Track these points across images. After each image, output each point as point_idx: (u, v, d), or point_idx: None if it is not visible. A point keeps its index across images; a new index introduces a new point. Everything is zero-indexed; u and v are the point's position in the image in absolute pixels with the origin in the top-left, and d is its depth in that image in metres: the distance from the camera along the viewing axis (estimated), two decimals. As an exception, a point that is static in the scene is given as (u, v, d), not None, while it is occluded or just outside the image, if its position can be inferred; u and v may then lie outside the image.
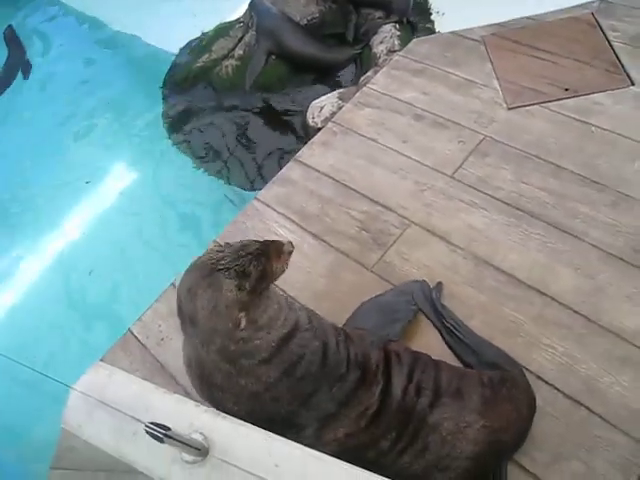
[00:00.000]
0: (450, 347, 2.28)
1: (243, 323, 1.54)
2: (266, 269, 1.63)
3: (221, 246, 1.66)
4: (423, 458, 1.70)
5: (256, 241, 1.70)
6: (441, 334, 2.32)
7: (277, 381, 1.62)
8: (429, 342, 2.31)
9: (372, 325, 2.24)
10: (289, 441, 1.29)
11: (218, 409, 1.47)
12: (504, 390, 1.88)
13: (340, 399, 1.70)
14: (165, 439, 1.15)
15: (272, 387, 1.62)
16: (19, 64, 6.06)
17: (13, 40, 6.35)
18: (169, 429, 1.16)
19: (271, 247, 1.69)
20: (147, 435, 1.16)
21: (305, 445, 1.47)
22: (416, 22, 4.55)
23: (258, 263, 1.60)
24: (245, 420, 1.41)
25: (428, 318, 2.38)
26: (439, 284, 2.47)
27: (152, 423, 1.16)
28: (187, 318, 1.60)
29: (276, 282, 2.03)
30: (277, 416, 1.65)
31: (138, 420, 1.31)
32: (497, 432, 1.76)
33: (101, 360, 2.43)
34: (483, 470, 1.80)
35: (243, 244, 1.67)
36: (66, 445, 1.77)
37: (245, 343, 1.57)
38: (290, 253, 1.75)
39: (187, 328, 1.64)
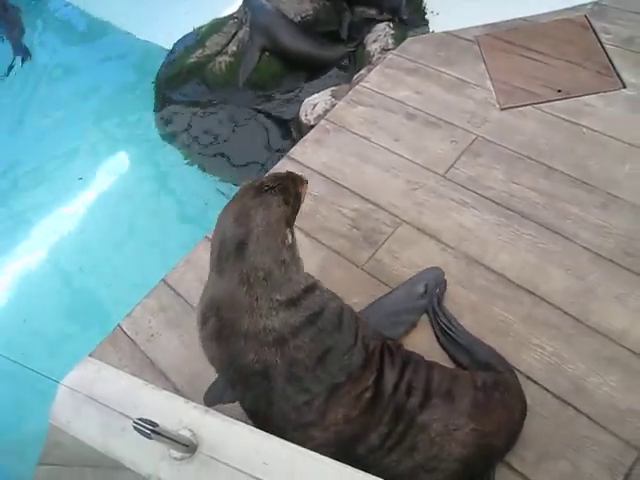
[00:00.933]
0: (443, 346, 2.28)
1: (289, 238, 1.73)
2: (298, 190, 1.88)
3: (252, 180, 1.85)
4: (411, 458, 1.70)
5: (279, 173, 1.92)
6: (435, 332, 2.33)
7: (302, 326, 1.67)
8: (423, 340, 2.31)
9: (375, 325, 2.25)
10: (278, 439, 1.29)
11: (229, 368, 1.60)
12: (497, 394, 1.87)
13: (349, 370, 1.72)
14: (153, 435, 1.14)
15: (297, 332, 1.66)
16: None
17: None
18: (157, 425, 1.16)
19: (295, 175, 1.92)
20: (135, 431, 1.15)
21: (309, 425, 1.61)
22: (408, 20, 4.55)
23: (293, 183, 1.85)
24: (260, 379, 1.60)
25: (428, 315, 2.38)
26: (444, 282, 2.47)
27: (140, 419, 1.15)
28: (233, 250, 1.67)
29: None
30: (295, 373, 1.66)
31: (126, 416, 1.31)
32: (487, 436, 1.76)
33: (90, 356, 2.42)
34: (471, 473, 1.79)
35: (273, 174, 1.92)
36: (54, 441, 1.77)
37: (285, 270, 1.70)
38: (307, 183, 1.97)
39: (226, 265, 1.69)
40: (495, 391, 1.88)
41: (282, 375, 1.65)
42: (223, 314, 1.70)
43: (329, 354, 1.70)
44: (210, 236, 2.78)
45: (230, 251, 1.68)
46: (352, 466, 1.58)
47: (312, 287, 1.78)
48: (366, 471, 1.59)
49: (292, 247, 1.78)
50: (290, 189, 1.81)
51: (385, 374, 1.81)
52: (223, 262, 1.70)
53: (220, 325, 1.71)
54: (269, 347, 1.65)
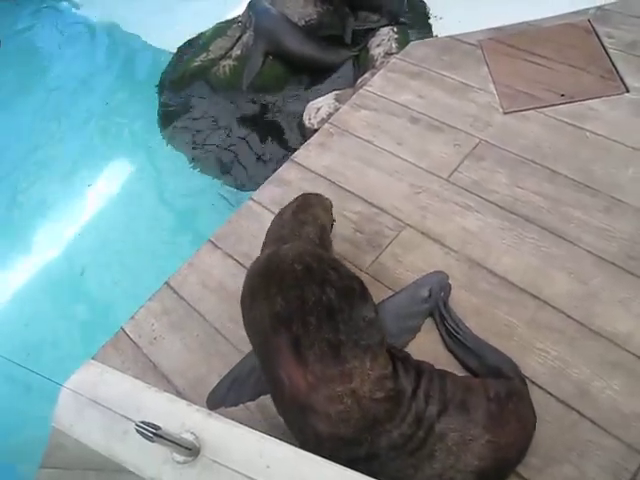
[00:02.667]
0: (450, 349, 2.27)
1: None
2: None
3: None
4: (430, 466, 1.68)
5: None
6: (442, 336, 2.32)
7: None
8: (429, 343, 2.31)
9: None
10: (282, 442, 1.28)
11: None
12: (510, 405, 1.85)
13: (370, 339, 1.73)
14: (156, 438, 1.14)
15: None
16: None
17: None
18: (160, 428, 1.15)
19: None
20: (138, 434, 1.15)
21: (334, 374, 1.61)
22: (408, 24, 4.56)
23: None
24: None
25: (434, 318, 2.38)
26: (448, 285, 2.46)
27: (143, 422, 1.15)
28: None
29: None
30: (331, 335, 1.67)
31: (129, 419, 1.31)
32: (503, 449, 1.75)
33: (93, 358, 2.41)
34: None
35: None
36: (56, 443, 1.76)
37: None
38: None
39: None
40: (509, 402, 1.85)
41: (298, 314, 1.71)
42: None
43: (352, 306, 1.76)
44: (213, 239, 2.82)
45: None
46: (371, 464, 1.65)
47: None
48: (385, 469, 1.65)
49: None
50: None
51: (399, 375, 1.79)
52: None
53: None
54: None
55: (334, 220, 2.45)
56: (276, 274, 1.81)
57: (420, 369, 1.89)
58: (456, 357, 2.25)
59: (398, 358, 1.89)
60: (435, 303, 2.38)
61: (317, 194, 2.45)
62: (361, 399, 1.64)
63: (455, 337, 2.26)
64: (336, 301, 1.71)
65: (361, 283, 1.88)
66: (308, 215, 2.24)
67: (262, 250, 2.18)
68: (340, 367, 1.63)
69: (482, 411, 1.78)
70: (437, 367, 1.98)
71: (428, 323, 2.38)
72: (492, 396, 1.85)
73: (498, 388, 1.90)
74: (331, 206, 2.44)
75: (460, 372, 2.11)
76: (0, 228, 4.55)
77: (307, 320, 1.66)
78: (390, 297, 2.45)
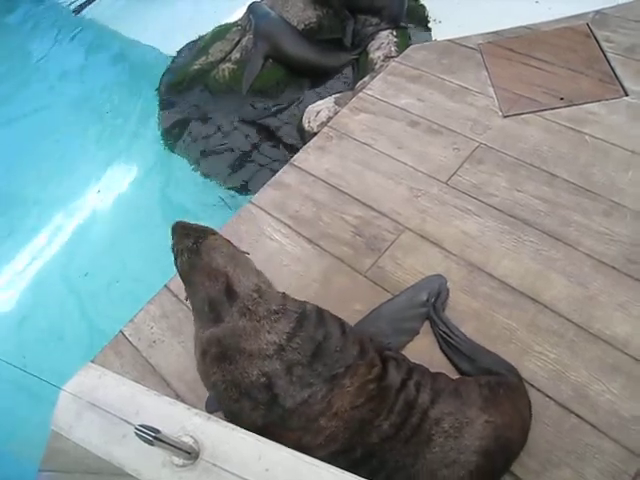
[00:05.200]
0: (445, 353, 2.28)
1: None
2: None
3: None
4: (429, 450, 1.70)
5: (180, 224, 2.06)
6: (437, 340, 2.32)
7: (293, 330, 1.79)
8: (425, 347, 2.31)
9: (378, 330, 2.27)
10: (280, 445, 1.28)
11: (233, 393, 1.73)
12: (501, 391, 1.90)
13: (345, 361, 1.79)
14: (155, 442, 1.14)
15: (291, 337, 1.78)
16: None
17: None
18: (159, 432, 1.15)
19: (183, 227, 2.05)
20: (137, 438, 1.15)
21: (317, 415, 1.69)
22: (408, 28, 4.57)
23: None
24: (265, 393, 1.71)
25: (430, 322, 2.38)
26: (446, 289, 2.47)
27: (142, 425, 1.15)
28: (223, 297, 1.83)
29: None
30: (296, 373, 1.74)
31: (128, 422, 1.31)
32: (502, 428, 1.77)
33: (92, 361, 2.41)
34: (493, 469, 1.80)
35: (179, 226, 2.06)
36: (55, 447, 1.76)
37: (265, 282, 1.94)
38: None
39: (222, 310, 1.83)
40: (499, 388, 1.91)
41: (284, 379, 1.73)
42: (225, 341, 1.81)
43: (321, 347, 1.79)
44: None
45: (220, 299, 1.82)
46: (369, 459, 1.69)
47: (284, 294, 1.94)
48: (383, 462, 1.69)
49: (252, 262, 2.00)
50: (201, 227, 2.01)
51: (389, 372, 1.84)
52: (217, 311, 1.83)
53: (222, 350, 1.81)
54: (270, 358, 1.74)
55: (247, 253, 2.06)
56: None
57: (413, 366, 1.95)
58: (450, 361, 2.26)
59: (392, 357, 1.94)
60: (431, 306, 2.38)
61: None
62: (343, 414, 1.71)
63: (449, 342, 2.27)
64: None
65: (318, 311, 1.93)
66: (229, 274, 1.86)
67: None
68: (320, 405, 1.71)
69: (475, 395, 1.84)
70: (433, 370, 2.00)
71: (425, 327, 2.38)
72: (483, 383, 1.92)
73: (489, 379, 1.97)
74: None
75: (455, 375, 2.11)
76: (3, 230, 4.55)
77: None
78: (388, 300, 2.46)
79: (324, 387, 1.73)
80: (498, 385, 1.93)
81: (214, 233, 1.99)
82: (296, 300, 1.94)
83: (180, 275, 1.97)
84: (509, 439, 1.83)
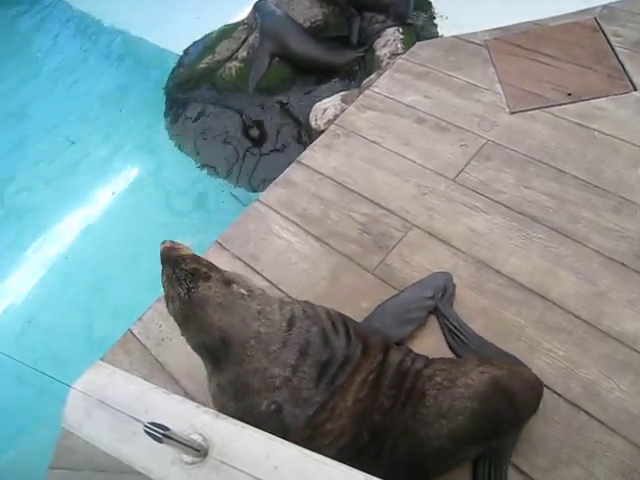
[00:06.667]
0: (452, 349, 2.27)
1: (242, 289, 1.83)
2: (189, 254, 1.87)
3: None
4: (423, 405, 1.72)
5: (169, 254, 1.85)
6: (445, 336, 2.32)
7: (298, 362, 1.75)
8: (433, 345, 2.30)
9: (382, 325, 2.27)
10: (289, 443, 1.28)
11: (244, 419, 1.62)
12: (504, 365, 1.90)
13: (350, 367, 1.79)
14: (164, 439, 1.15)
15: (296, 368, 1.74)
16: None
17: None
18: (168, 429, 1.16)
19: (172, 252, 1.85)
20: (146, 435, 1.15)
21: (322, 422, 1.70)
22: (415, 25, 4.56)
23: (182, 259, 1.82)
24: (274, 417, 1.71)
25: (437, 317, 2.38)
26: (453, 285, 2.47)
27: (151, 423, 1.15)
28: (221, 347, 1.79)
29: (277, 284, 2.07)
30: (303, 396, 1.74)
31: (137, 420, 1.31)
32: (499, 378, 1.77)
33: (101, 360, 2.42)
34: (496, 416, 1.76)
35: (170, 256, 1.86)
36: (65, 445, 1.77)
37: (265, 318, 1.81)
38: (172, 242, 1.93)
39: (224, 360, 1.80)
40: (499, 361, 1.93)
41: (291, 403, 1.73)
42: (232, 386, 1.80)
43: (326, 366, 1.77)
44: (220, 241, 2.82)
45: (220, 350, 1.78)
46: (376, 437, 1.72)
47: (291, 320, 1.83)
48: (388, 433, 1.71)
49: (252, 291, 1.85)
50: (192, 265, 1.79)
51: (390, 355, 1.87)
52: (217, 357, 1.81)
53: (233, 390, 1.80)
54: (278, 389, 1.74)
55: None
56: None
57: (416, 355, 1.97)
58: (458, 357, 2.25)
59: (394, 345, 1.98)
60: (438, 301, 2.38)
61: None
62: (347, 411, 1.73)
63: (457, 337, 2.27)
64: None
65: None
66: (221, 325, 1.78)
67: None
68: (324, 413, 1.72)
69: (471, 358, 1.91)
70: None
71: (432, 324, 2.38)
72: (481, 355, 1.98)
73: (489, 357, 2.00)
74: (177, 249, 1.90)
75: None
76: (10, 230, 4.58)
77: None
78: (394, 296, 2.45)
79: (329, 398, 1.74)
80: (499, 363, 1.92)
81: (207, 276, 1.78)
82: (304, 322, 1.85)
83: (173, 318, 1.87)
84: (509, 387, 1.79)
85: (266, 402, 1.73)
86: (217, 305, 1.75)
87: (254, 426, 1.73)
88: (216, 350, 1.78)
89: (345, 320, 1.96)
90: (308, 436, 1.71)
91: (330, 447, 1.68)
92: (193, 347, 1.88)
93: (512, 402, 1.81)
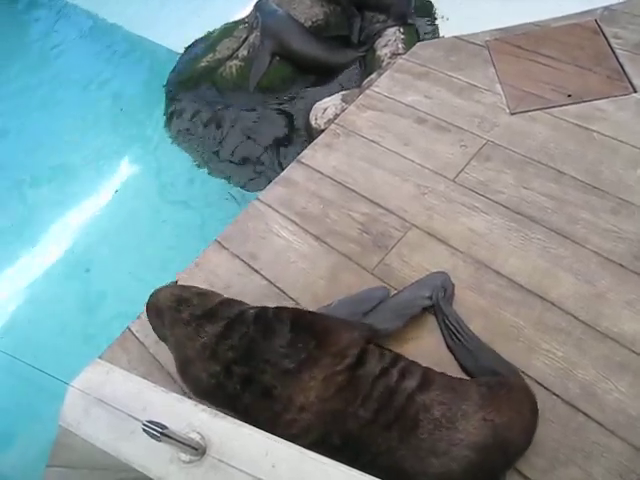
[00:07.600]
0: (450, 349, 2.27)
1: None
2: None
3: None
4: (415, 436, 1.67)
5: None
6: (443, 335, 2.32)
7: (223, 334, 1.92)
8: (432, 345, 2.30)
9: (375, 321, 2.24)
10: (287, 442, 1.29)
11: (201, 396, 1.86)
12: (502, 392, 1.86)
13: (297, 356, 1.82)
14: (162, 438, 1.15)
15: (220, 338, 1.91)
16: None
17: None
18: (166, 428, 1.16)
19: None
20: (144, 434, 1.15)
21: (281, 412, 1.73)
22: (416, 25, 4.56)
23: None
24: (220, 392, 1.82)
25: (436, 316, 2.37)
26: (451, 285, 2.46)
27: (149, 421, 1.16)
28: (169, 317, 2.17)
29: (276, 282, 2.08)
30: (237, 371, 1.83)
31: (136, 418, 1.31)
32: (500, 428, 1.73)
33: (99, 358, 2.42)
34: (491, 468, 1.75)
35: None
36: (63, 443, 1.78)
37: (199, 294, 2.16)
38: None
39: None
40: (500, 389, 1.87)
41: (230, 379, 1.83)
42: (179, 354, 2.05)
43: (258, 345, 1.86)
44: (220, 239, 2.83)
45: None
46: (350, 444, 1.69)
47: (227, 301, 2.10)
48: (365, 447, 1.68)
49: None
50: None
51: (368, 361, 1.85)
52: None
53: (180, 363, 2.04)
54: (209, 361, 1.88)
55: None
56: None
57: (400, 357, 1.95)
58: (455, 356, 2.25)
59: (376, 347, 1.95)
60: (436, 301, 2.37)
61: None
62: (311, 407, 1.74)
63: (456, 337, 2.27)
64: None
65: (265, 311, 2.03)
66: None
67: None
68: (279, 402, 1.76)
69: (472, 392, 1.81)
70: (438, 369, 1.99)
71: (431, 325, 2.37)
72: (482, 382, 1.90)
73: (489, 379, 1.95)
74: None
75: (458, 374, 2.10)
76: (10, 226, 4.58)
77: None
78: (392, 296, 2.45)
79: (277, 384, 1.77)
80: (498, 386, 1.89)
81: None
82: (243, 305, 2.09)
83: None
84: (508, 440, 1.77)
85: (204, 374, 1.88)
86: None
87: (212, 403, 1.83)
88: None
89: (297, 315, 2.00)
90: (268, 419, 1.75)
91: (298, 438, 1.63)
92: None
93: (508, 453, 1.81)
